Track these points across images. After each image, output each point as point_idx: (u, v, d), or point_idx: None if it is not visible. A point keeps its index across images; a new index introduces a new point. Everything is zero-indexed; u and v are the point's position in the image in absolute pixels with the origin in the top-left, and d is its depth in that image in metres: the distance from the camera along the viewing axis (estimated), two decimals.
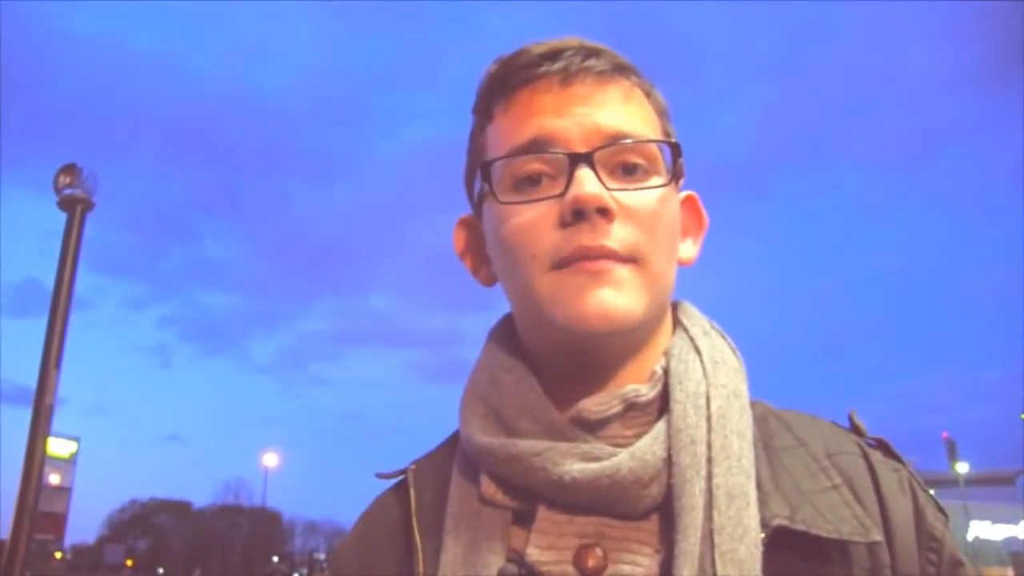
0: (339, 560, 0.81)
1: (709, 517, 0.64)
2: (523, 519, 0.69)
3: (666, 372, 0.71)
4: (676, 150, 0.73)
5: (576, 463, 0.66)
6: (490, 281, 0.79)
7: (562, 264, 0.67)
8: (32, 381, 3.76)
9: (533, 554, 0.66)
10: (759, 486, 0.67)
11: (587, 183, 0.67)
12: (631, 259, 0.68)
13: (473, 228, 0.81)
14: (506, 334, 0.78)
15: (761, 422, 0.74)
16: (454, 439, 0.79)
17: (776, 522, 0.64)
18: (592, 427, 0.69)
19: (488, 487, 0.71)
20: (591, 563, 0.64)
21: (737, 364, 0.74)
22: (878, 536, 0.66)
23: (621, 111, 0.72)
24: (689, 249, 0.80)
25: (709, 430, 0.68)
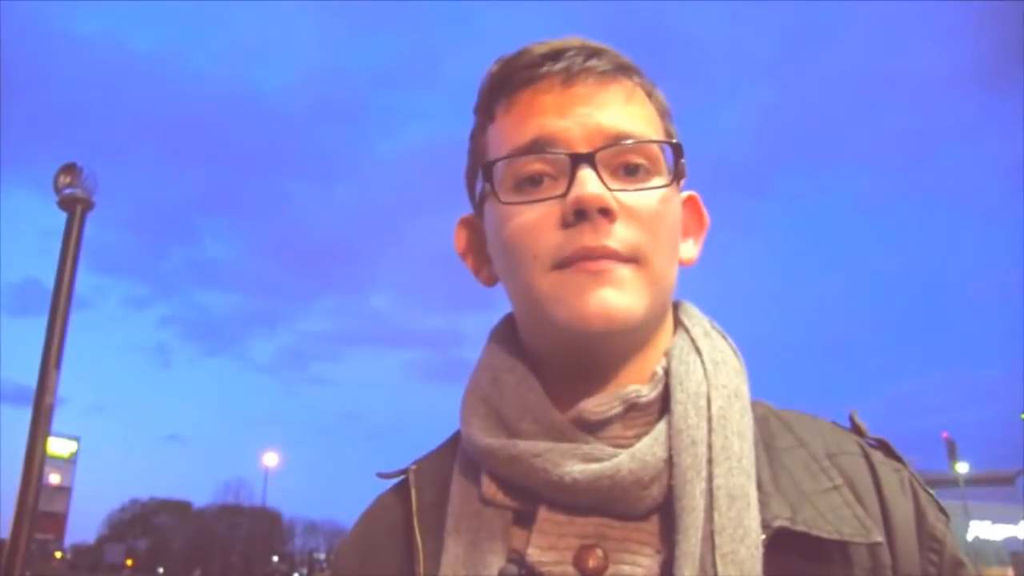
0: (340, 560, 0.81)
1: (710, 518, 0.64)
2: (524, 519, 0.69)
3: (667, 373, 0.71)
4: (678, 151, 0.73)
5: (577, 464, 0.66)
6: (491, 281, 0.79)
7: (564, 264, 0.67)
8: (32, 381, 3.76)
9: (534, 554, 0.66)
10: (760, 487, 0.67)
11: (589, 183, 0.67)
12: (632, 259, 0.68)
13: (474, 228, 0.81)
14: (507, 334, 0.78)
15: (762, 422, 0.74)
16: (455, 439, 0.79)
17: (777, 523, 0.64)
18: (593, 428, 0.69)
19: (489, 487, 0.71)
20: (592, 564, 0.64)
21: (738, 365, 0.74)
22: (879, 537, 0.65)
23: (623, 111, 0.71)
24: (690, 249, 0.80)
25: (710, 431, 0.68)
